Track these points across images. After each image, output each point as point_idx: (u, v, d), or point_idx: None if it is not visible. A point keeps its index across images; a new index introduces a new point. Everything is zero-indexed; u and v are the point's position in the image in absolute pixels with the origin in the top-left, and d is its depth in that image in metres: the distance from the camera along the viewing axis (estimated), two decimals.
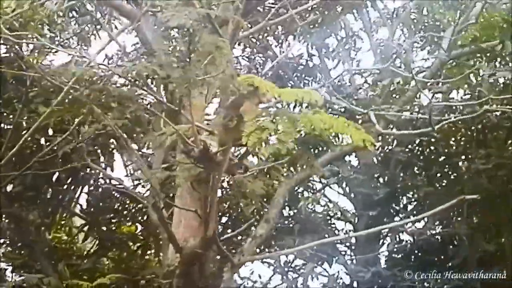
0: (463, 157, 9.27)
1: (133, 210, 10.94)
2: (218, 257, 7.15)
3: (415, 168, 10.23)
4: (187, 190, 6.87)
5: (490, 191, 7.41)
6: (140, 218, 10.74)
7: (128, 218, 10.89)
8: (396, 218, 11.09)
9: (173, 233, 6.30)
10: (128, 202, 10.81)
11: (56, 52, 7.81)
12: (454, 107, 6.86)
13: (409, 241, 11.06)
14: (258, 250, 8.00)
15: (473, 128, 8.49)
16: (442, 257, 9.94)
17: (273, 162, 5.34)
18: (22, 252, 9.92)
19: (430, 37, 10.02)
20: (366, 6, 11.58)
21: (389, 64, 8.85)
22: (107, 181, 10.44)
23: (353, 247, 11.85)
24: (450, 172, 9.92)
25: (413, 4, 10.63)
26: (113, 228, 11.01)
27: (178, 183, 6.99)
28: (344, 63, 12.68)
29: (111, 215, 10.89)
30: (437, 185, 9.53)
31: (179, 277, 6.40)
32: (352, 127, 3.32)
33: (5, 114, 8.78)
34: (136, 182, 10.49)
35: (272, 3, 10.14)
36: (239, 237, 9.35)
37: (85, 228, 10.74)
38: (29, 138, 7.94)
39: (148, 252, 10.87)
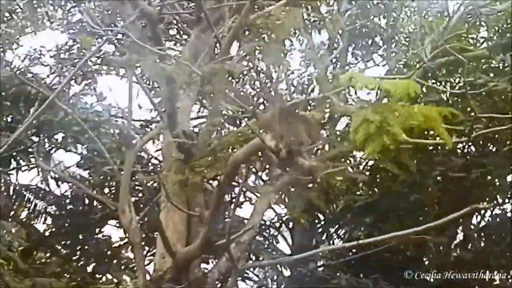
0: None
1: None
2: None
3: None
4: (174, 193, 6.65)
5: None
6: None
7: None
8: None
9: (167, 237, 6.05)
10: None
11: None
12: None
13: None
14: None
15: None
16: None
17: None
18: None
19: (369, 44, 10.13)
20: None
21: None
22: None
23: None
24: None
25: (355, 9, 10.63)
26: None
27: (167, 186, 6.74)
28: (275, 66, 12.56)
29: None
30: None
31: (169, 281, 6.18)
32: (440, 121, 3.36)
33: None
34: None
35: None
36: None
37: None
38: None
39: None
